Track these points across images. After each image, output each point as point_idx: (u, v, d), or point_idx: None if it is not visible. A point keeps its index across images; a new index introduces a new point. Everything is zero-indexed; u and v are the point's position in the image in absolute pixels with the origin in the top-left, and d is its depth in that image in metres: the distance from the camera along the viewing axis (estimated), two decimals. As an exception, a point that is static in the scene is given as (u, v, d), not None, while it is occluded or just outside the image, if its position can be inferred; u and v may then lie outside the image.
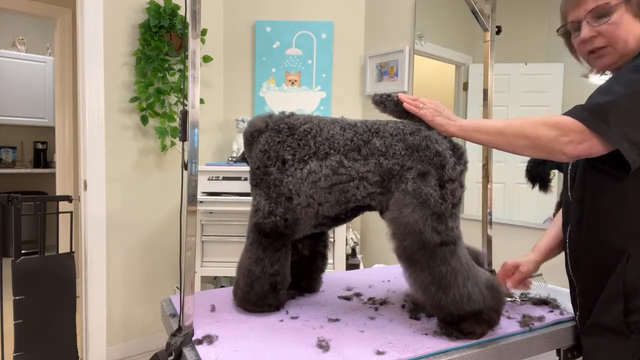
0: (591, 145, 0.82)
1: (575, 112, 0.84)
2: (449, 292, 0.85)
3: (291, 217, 1.00)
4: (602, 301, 0.90)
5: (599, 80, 1.06)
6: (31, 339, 1.82)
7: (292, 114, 1.06)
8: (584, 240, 0.95)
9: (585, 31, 0.91)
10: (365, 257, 2.46)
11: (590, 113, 0.81)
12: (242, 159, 1.24)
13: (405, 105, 0.98)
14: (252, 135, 1.07)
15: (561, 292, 1.48)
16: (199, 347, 0.85)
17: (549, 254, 1.14)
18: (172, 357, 0.85)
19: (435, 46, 2.26)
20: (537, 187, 1.66)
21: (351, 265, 2.25)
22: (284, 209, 0.99)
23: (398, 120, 0.99)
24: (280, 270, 1.02)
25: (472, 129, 0.92)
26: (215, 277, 2.55)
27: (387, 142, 0.93)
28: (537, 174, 1.65)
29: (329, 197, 0.97)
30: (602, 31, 0.89)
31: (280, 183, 0.99)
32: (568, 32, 0.99)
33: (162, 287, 2.44)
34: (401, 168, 0.91)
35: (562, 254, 1.07)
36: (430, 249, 0.86)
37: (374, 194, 0.95)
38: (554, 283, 1.61)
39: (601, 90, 0.85)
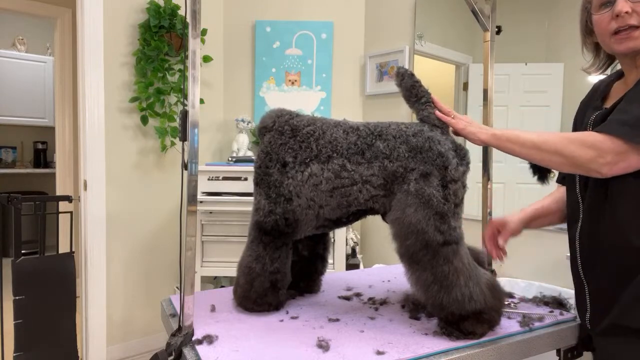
0: (629, 164, 0.81)
1: (612, 128, 0.81)
2: (451, 291, 0.85)
3: (291, 217, 1.00)
4: (627, 302, 0.87)
5: (596, 78, 1.06)
6: (31, 339, 1.82)
7: (298, 114, 1.06)
8: (602, 241, 0.92)
9: (622, 4, 0.85)
10: (365, 257, 2.46)
11: (631, 127, 0.79)
12: None
13: (437, 113, 0.97)
14: (260, 132, 1.07)
15: (551, 290, 1.48)
16: (199, 347, 0.85)
17: (534, 219, 1.14)
18: (172, 357, 0.85)
19: (435, 46, 2.26)
20: (537, 177, 1.64)
21: (351, 265, 2.25)
22: (283, 209, 0.99)
23: (400, 122, 0.99)
24: (281, 268, 1.02)
25: (506, 139, 0.91)
26: (215, 277, 2.55)
27: (391, 144, 0.93)
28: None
29: (330, 201, 0.97)
30: (638, 9, 0.84)
31: (280, 184, 0.99)
32: (588, 10, 0.95)
33: (162, 287, 2.44)
34: (405, 170, 0.91)
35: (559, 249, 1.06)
36: (433, 249, 0.86)
37: (377, 197, 0.95)
38: (555, 283, 1.61)
39: (636, 100, 0.82)
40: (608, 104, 0.95)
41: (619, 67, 0.99)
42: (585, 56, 1.03)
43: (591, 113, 0.97)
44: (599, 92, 1.01)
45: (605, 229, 0.91)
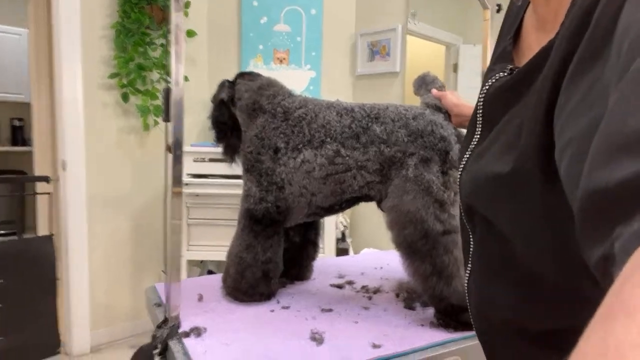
0: None
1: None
2: (451, 282, 0.83)
3: (283, 205, 0.95)
4: None
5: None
6: (11, 324, 1.76)
7: (290, 94, 1.00)
8: (499, 308, 0.51)
9: None
10: (354, 241, 2.44)
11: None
12: (220, 127, 1.06)
13: None
14: (254, 109, 1.00)
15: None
16: (186, 340, 0.81)
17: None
18: (157, 351, 0.80)
19: (428, 26, 2.20)
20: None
21: (341, 250, 2.23)
22: (275, 197, 0.95)
23: (399, 104, 0.94)
24: (273, 258, 0.98)
25: None
26: (202, 261, 2.51)
27: (389, 128, 0.88)
28: None
29: (324, 188, 0.92)
30: None
31: (273, 172, 0.94)
32: None
33: (147, 271, 2.38)
34: (403, 155, 0.87)
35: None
36: (432, 238, 0.83)
37: (373, 183, 0.90)
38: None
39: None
40: (517, 57, 0.52)
41: None
42: None
43: (492, 68, 0.53)
44: (510, 24, 0.55)
45: (499, 295, 0.50)
